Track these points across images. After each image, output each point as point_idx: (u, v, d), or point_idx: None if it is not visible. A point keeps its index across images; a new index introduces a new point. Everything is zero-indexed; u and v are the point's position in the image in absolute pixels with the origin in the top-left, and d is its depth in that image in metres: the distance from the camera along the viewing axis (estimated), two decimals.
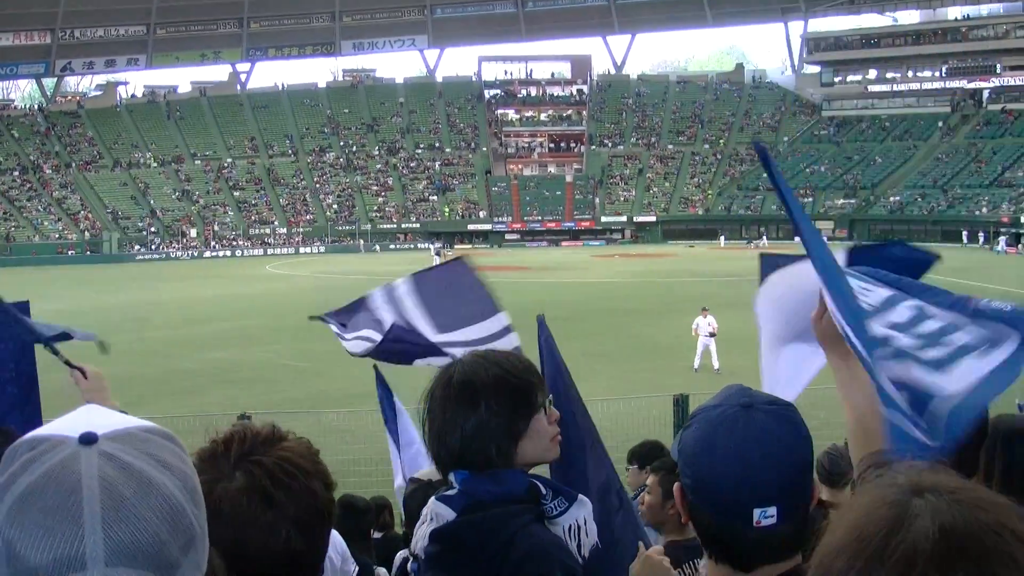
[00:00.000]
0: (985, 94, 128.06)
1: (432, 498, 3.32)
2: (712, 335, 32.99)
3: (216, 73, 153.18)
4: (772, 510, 2.44)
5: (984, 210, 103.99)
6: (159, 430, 1.56)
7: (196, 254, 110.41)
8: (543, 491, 3.32)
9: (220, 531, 2.25)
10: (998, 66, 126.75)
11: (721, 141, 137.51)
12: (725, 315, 34.40)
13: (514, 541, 3.13)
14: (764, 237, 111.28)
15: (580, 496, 3.43)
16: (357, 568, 7.28)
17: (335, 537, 7.57)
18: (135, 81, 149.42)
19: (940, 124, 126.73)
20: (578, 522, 3.36)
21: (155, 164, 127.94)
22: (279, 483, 2.37)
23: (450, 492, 3.27)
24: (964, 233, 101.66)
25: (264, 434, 2.50)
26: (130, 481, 1.42)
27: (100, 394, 4.66)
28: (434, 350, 6.50)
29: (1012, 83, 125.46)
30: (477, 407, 3.25)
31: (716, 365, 32.46)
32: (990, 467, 4.73)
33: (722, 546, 2.55)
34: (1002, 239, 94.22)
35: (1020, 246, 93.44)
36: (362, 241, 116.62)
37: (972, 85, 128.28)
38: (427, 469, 5.70)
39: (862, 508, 1.58)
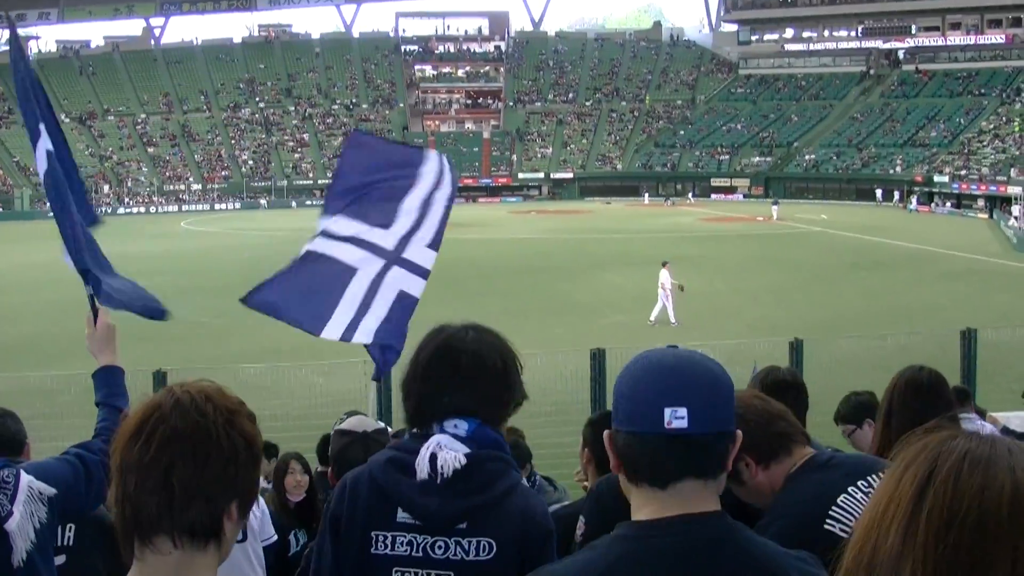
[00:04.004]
0: (900, 54, 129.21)
1: (439, 434, 3.53)
2: (665, 287, 32.72)
3: (129, 28, 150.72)
4: (682, 411, 2.57)
5: (898, 169, 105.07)
6: None
7: (110, 211, 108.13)
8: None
9: None
10: (913, 26, 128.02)
11: (638, 99, 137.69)
12: (643, 271, 34.56)
13: (515, 494, 3.53)
14: (691, 195, 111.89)
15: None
16: (275, 537, 7.21)
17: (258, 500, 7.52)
18: (47, 36, 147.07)
19: (859, 82, 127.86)
20: None
21: (67, 120, 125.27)
22: None
23: (458, 433, 3.53)
24: (878, 192, 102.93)
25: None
26: None
27: (103, 349, 4.67)
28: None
29: (926, 43, 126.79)
30: (507, 373, 3.61)
31: (673, 320, 32.36)
32: (890, 412, 5.00)
33: (638, 462, 2.65)
34: (914, 198, 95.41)
35: (932, 205, 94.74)
36: (264, 200, 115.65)
37: (887, 45, 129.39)
38: (354, 419, 5.66)
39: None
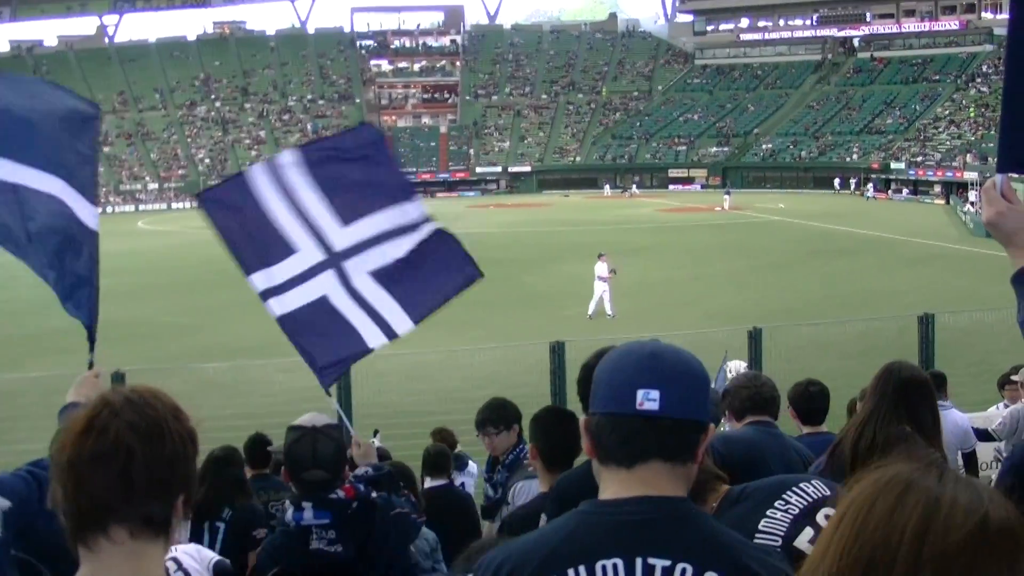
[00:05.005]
0: (855, 42, 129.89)
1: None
2: (602, 279, 32.77)
3: (83, 26, 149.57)
4: (655, 393, 2.64)
5: (855, 156, 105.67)
6: None
7: None
8: None
9: None
10: (868, 14, 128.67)
11: (595, 91, 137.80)
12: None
13: None
14: (636, 186, 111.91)
15: None
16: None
17: None
18: None
19: (815, 71, 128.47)
20: None
21: None
22: None
23: None
24: (836, 180, 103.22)
25: None
26: None
27: (79, 391, 4.85)
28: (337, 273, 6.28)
29: (881, 31, 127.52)
30: None
31: (609, 311, 32.44)
32: (881, 401, 4.98)
33: (608, 443, 2.72)
34: (871, 185, 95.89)
35: (890, 191, 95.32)
36: None
37: (842, 33, 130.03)
38: (307, 416, 5.60)
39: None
